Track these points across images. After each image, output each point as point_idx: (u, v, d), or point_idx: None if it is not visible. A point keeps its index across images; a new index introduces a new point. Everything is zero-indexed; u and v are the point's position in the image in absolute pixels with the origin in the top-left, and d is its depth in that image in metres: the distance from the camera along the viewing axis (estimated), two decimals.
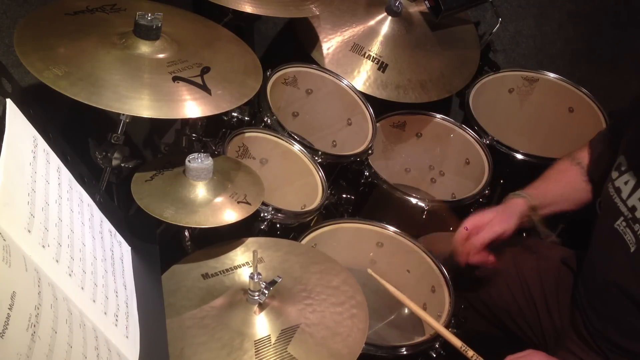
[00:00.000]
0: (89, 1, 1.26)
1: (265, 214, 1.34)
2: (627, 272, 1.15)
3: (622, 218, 1.16)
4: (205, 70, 1.21)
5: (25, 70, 1.05)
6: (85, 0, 1.26)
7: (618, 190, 1.18)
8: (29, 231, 0.75)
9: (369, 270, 1.30)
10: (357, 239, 1.50)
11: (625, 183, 1.18)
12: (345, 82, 1.78)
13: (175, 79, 1.16)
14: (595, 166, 1.34)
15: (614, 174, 1.21)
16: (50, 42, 1.12)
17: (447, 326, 1.25)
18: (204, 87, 1.17)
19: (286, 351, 1.00)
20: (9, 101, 0.84)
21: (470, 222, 1.30)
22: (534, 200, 1.32)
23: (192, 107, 1.14)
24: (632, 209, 1.15)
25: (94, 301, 0.84)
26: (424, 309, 1.43)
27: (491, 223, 1.28)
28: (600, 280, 1.22)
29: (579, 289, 1.29)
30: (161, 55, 1.19)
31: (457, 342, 1.16)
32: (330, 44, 1.85)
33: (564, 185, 1.38)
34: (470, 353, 1.14)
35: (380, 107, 1.81)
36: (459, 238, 1.29)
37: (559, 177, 1.39)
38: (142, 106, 1.09)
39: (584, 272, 1.29)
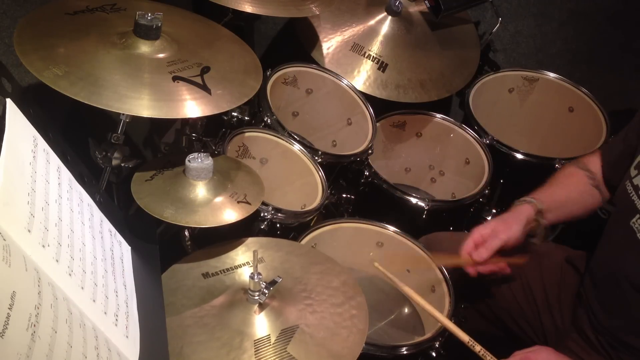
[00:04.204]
0: (89, 1, 1.26)
1: (265, 214, 1.34)
2: None
3: (638, 215, 1.16)
4: (205, 70, 1.21)
5: (25, 70, 1.05)
6: (85, 0, 1.26)
7: (637, 188, 1.17)
8: (29, 231, 0.75)
9: (375, 264, 1.30)
10: (357, 239, 1.50)
11: None
12: (345, 81, 1.78)
13: (175, 78, 1.16)
14: (614, 170, 1.33)
15: (633, 172, 1.20)
16: (50, 42, 1.12)
17: None
18: (204, 87, 1.17)
19: (286, 351, 1.00)
20: (9, 101, 0.84)
21: (476, 232, 1.30)
22: (540, 205, 1.31)
23: (192, 106, 1.14)
24: None
25: (94, 301, 0.84)
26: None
27: (495, 232, 1.28)
28: (612, 278, 1.21)
29: (585, 288, 1.29)
30: (161, 55, 1.19)
31: (464, 337, 1.16)
32: (330, 43, 1.85)
33: (571, 190, 1.37)
34: (478, 348, 1.14)
35: (380, 107, 1.81)
36: (466, 250, 1.29)
37: (565, 181, 1.39)
38: (142, 106, 1.09)
39: (593, 270, 1.28)
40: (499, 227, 1.28)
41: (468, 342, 1.15)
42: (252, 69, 1.32)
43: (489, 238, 1.27)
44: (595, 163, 1.38)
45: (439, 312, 1.23)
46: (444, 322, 1.21)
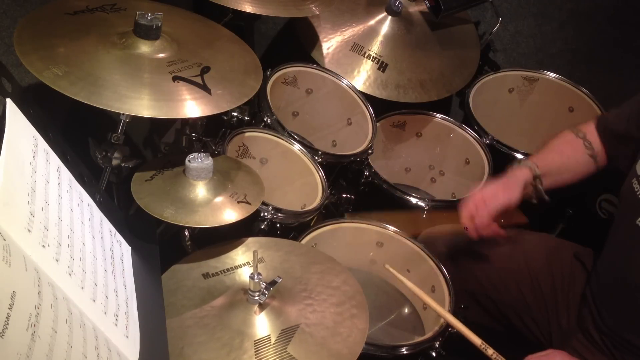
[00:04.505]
0: (89, 1, 1.26)
1: (266, 214, 1.34)
2: None
3: None
4: (205, 70, 1.21)
5: (25, 70, 1.05)
6: (85, 0, 1.26)
7: None
8: (29, 231, 0.75)
9: (386, 266, 1.30)
10: (357, 239, 1.50)
11: None
12: (345, 81, 1.78)
13: (175, 78, 1.16)
14: (611, 142, 1.34)
15: None
16: (50, 42, 1.12)
17: (447, 325, 1.25)
18: (204, 87, 1.17)
19: (286, 351, 1.00)
20: (9, 101, 0.84)
21: (477, 195, 1.30)
22: (537, 170, 1.32)
23: (192, 106, 1.14)
24: None
25: (94, 301, 0.84)
26: (424, 309, 1.43)
27: (496, 195, 1.28)
28: (618, 278, 1.21)
29: (591, 288, 1.28)
30: (161, 55, 1.19)
31: (476, 340, 1.16)
32: (330, 43, 1.85)
33: (568, 157, 1.38)
34: (490, 351, 1.14)
35: (380, 107, 1.81)
36: (467, 213, 1.29)
37: (563, 148, 1.39)
38: (142, 106, 1.09)
39: (599, 270, 1.28)
40: (499, 190, 1.29)
41: (480, 345, 1.15)
42: (252, 69, 1.32)
43: (490, 201, 1.28)
44: (593, 132, 1.38)
45: (435, 317, 1.23)
46: (457, 326, 1.20)
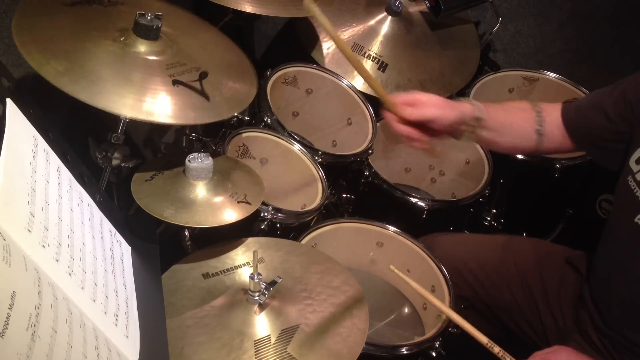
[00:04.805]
0: None
1: (266, 214, 1.34)
2: None
3: None
4: (203, 75, 1.21)
5: (25, 70, 1.05)
6: None
7: None
8: (29, 231, 0.75)
9: (392, 267, 1.29)
10: (357, 239, 1.50)
11: None
12: (345, 81, 1.77)
13: (175, 82, 1.16)
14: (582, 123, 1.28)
15: (636, 167, 1.17)
16: (49, 34, 1.11)
17: (447, 325, 1.25)
18: (202, 93, 1.17)
19: (286, 351, 1.00)
20: (9, 101, 0.84)
21: (415, 94, 1.24)
22: (481, 114, 1.26)
23: (191, 113, 1.14)
24: None
25: (94, 301, 0.84)
26: (424, 308, 1.43)
27: (430, 104, 1.22)
28: (617, 277, 1.20)
29: (588, 288, 1.28)
30: (160, 57, 1.19)
31: (483, 339, 1.15)
32: (330, 43, 1.85)
33: (515, 121, 1.32)
34: (497, 349, 1.13)
35: (381, 107, 1.81)
36: (398, 99, 1.22)
37: (513, 111, 1.33)
38: (142, 109, 1.09)
39: (595, 269, 1.27)
40: (437, 103, 1.23)
41: (487, 344, 1.14)
42: (247, 75, 1.32)
43: (423, 105, 1.22)
44: (550, 111, 1.32)
45: (435, 317, 1.22)
46: (464, 325, 1.19)
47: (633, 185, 1.16)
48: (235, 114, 1.57)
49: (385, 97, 1.22)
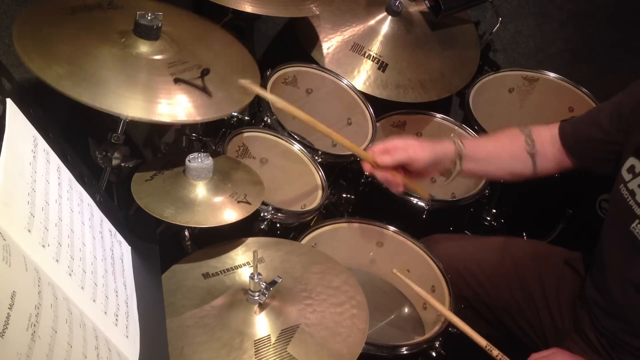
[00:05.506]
0: None
1: (265, 214, 1.34)
2: None
3: (637, 221, 1.15)
4: (205, 72, 1.21)
5: (25, 70, 1.05)
6: None
7: (632, 193, 1.16)
8: (29, 231, 0.75)
9: (394, 270, 1.30)
10: (357, 239, 1.50)
11: None
12: (345, 81, 1.78)
13: (176, 80, 1.16)
14: (581, 143, 1.29)
15: (627, 176, 1.18)
16: (50, 39, 1.11)
17: (447, 325, 1.25)
18: (204, 89, 1.17)
19: (286, 351, 1.00)
20: (9, 101, 0.84)
21: (391, 141, 1.28)
22: (463, 150, 1.29)
23: (192, 110, 1.13)
24: None
25: (94, 301, 0.84)
26: (424, 308, 1.43)
27: (406, 147, 1.27)
28: (614, 281, 1.20)
29: (587, 290, 1.28)
30: (161, 57, 1.19)
31: (482, 342, 1.16)
32: (330, 43, 1.85)
33: (502, 146, 1.34)
34: (495, 352, 1.13)
35: (380, 107, 1.81)
36: (375, 149, 1.28)
37: (500, 138, 1.36)
38: (145, 109, 1.09)
39: (594, 272, 1.28)
40: (412, 146, 1.27)
41: (486, 347, 1.15)
42: (250, 71, 1.32)
43: (398, 150, 1.26)
44: (540, 131, 1.33)
45: (435, 317, 1.22)
46: (464, 328, 1.20)
47: (625, 194, 1.18)
48: (235, 114, 1.57)
49: (356, 150, 1.30)
